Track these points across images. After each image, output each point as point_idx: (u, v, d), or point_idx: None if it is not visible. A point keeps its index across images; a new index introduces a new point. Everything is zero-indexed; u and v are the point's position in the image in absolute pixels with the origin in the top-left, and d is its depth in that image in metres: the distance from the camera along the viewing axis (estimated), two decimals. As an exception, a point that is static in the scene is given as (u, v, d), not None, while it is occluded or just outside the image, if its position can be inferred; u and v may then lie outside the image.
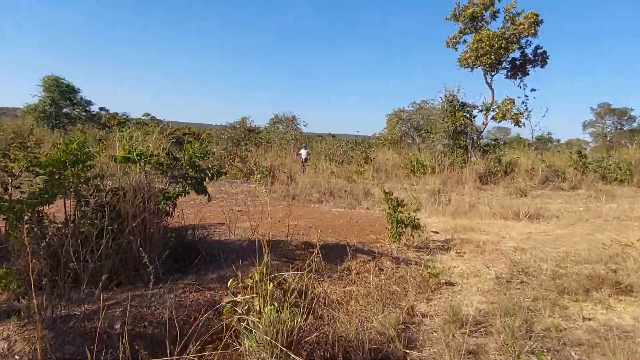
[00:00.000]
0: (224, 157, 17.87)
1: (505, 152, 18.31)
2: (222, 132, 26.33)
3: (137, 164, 4.41)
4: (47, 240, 4.01)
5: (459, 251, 6.27)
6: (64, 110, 37.72)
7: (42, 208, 4.57)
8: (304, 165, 18.64)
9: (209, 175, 4.79)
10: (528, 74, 18.17)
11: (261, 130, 32.93)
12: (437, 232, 7.39)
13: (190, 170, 4.73)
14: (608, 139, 55.00)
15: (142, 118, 27.33)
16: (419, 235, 6.52)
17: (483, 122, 17.89)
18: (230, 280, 3.34)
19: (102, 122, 35.96)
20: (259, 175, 14.62)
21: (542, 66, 17.57)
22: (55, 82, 35.72)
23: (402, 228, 6.06)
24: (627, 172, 15.87)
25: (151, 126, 25.88)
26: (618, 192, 14.16)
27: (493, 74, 17.73)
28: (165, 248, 4.59)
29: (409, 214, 6.21)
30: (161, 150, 4.75)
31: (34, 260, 4.07)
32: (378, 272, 4.95)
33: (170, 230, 5.02)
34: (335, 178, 16.74)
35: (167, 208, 4.91)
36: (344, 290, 4.36)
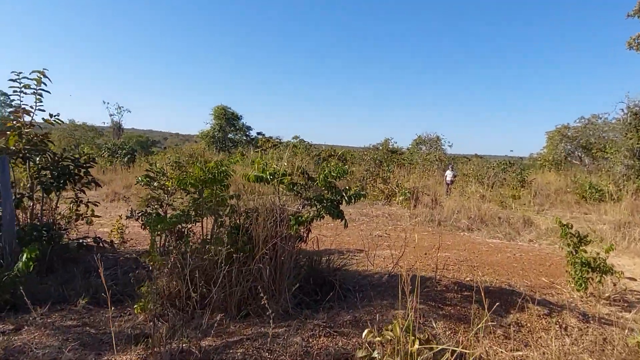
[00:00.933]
0: (366, 179, 17.57)
1: None
2: (365, 153, 26.28)
3: (270, 183, 4.11)
4: (187, 260, 3.91)
5: (675, 310, 4.59)
6: (229, 135, 42.73)
7: (185, 227, 4.61)
8: (449, 188, 17.24)
9: (346, 197, 4.26)
10: None
11: (404, 152, 32.28)
12: (635, 279, 5.66)
13: (326, 191, 4.27)
14: None
15: (292, 141, 29.00)
16: (613, 284, 5.00)
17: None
18: (366, 332, 2.69)
19: (258, 145, 39.50)
20: (401, 198, 13.84)
21: None
22: (223, 111, 40.62)
23: (588, 273, 4.67)
24: None
25: (299, 147, 27.36)
26: None
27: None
28: (296, 279, 4.18)
29: (597, 254, 4.78)
30: (296, 170, 4.41)
31: (173, 281, 4.05)
32: (560, 333, 3.77)
33: (302, 258, 4.62)
34: (486, 202, 15.00)
35: (302, 233, 4.53)
36: (513, 356, 3.33)
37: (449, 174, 17.88)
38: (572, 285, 4.83)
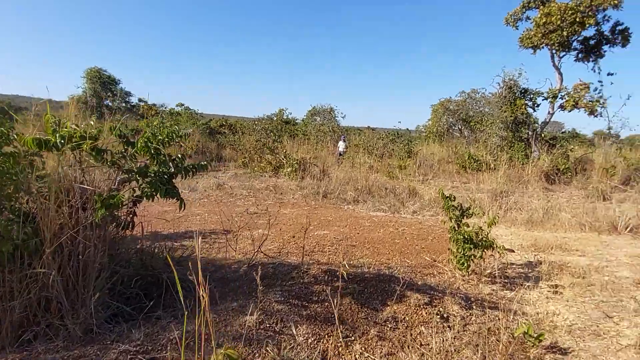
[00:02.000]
0: (256, 149, 16.35)
1: (574, 147, 15.75)
2: (256, 123, 24.94)
3: (60, 150, 2.81)
4: None
5: (553, 284, 4.33)
6: (106, 101, 38.08)
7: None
8: (340, 159, 16.91)
9: (182, 169, 3.13)
10: (604, 56, 15.45)
11: (298, 123, 31.57)
12: (513, 251, 5.43)
13: (152, 161, 3.08)
14: None
15: (175, 108, 26.37)
16: (494, 258, 4.63)
17: (549, 112, 15.34)
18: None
19: (140, 113, 35.65)
20: (288, 169, 12.99)
21: (624, 45, 14.81)
22: (97, 74, 35.87)
23: (470, 250, 4.19)
24: None
25: (183, 115, 24.95)
26: None
27: (562, 54, 15.13)
28: (110, 281, 3.01)
29: (480, 228, 4.32)
30: (112, 132, 3.11)
31: None
32: (441, 326, 3.15)
33: (129, 251, 3.42)
34: (375, 173, 14.86)
35: (127, 218, 3.33)
36: (387, 369, 2.59)
37: (341, 145, 17.57)
38: (455, 263, 4.33)
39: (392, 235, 5.87)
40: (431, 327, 3.14)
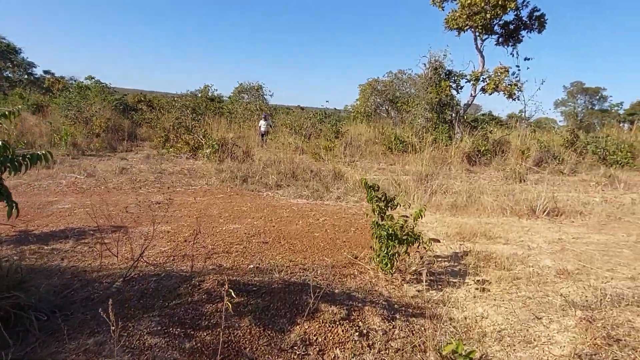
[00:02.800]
0: (171, 128, 15.00)
1: (493, 129, 16.25)
2: (175, 99, 23.13)
3: None
4: None
5: (480, 280, 4.02)
6: (5, 73, 33.78)
7: None
8: (264, 140, 16.10)
9: (7, 160, 2.25)
10: (521, 41, 15.97)
11: (224, 100, 30.02)
12: (439, 241, 5.10)
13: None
14: (579, 118, 54.47)
15: (84, 82, 23.59)
16: (420, 257, 4.23)
17: (471, 94, 15.63)
18: None
19: (45, 86, 31.84)
20: (208, 151, 11.98)
21: (540, 31, 15.37)
22: (-6, 42, 31.54)
23: (395, 247, 3.72)
24: (629, 154, 14.10)
25: (93, 90, 22.45)
26: (624, 177, 12.35)
27: (485, 37, 15.38)
28: None
29: (405, 220, 3.86)
30: None
31: None
32: (360, 346, 2.62)
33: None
34: (301, 154, 14.28)
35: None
36: None
37: (262, 124, 16.70)
38: (377, 262, 3.85)
39: (311, 228, 5.31)
40: (348, 348, 2.61)
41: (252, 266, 3.72)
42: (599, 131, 18.87)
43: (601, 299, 3.51)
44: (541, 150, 14.33)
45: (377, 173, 11.89)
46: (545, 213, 6.91)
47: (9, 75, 34.72)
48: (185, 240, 4.41)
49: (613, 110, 38.99)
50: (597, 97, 56.49)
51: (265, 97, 29.14)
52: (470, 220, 6.39)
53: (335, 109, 30.12)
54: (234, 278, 3.22)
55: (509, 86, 14.46)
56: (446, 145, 13.95)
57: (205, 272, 3.28)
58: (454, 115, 15.48)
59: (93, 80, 24.09)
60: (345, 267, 3.98)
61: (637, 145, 14.98)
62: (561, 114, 58.56)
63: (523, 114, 15.93)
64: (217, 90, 29.03)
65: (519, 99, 14.83)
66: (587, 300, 3.54)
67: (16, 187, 7.02)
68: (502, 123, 21.04)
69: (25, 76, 35.30)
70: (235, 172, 9.49)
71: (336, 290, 3.33)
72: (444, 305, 3.38)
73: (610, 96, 54.17)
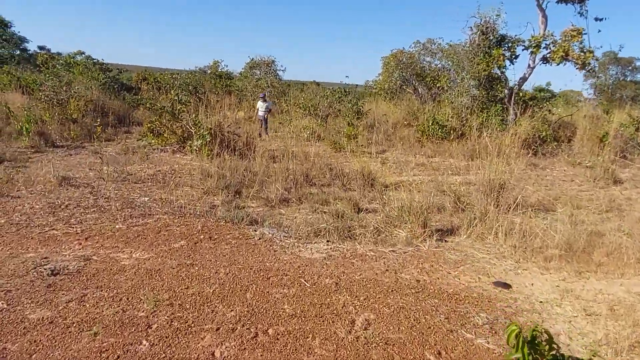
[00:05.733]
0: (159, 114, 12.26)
1: (556, 109, 13.12)
2: (175, 75, 20.36)
3: None
4: None
5: None
6: (-5, 48, 31.51)
7: None
8: (264, 127, 12.78)
9: None
10: (591, -3, 12.66)
11: (234, 77, 27.08)
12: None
13: None
14: (609, 90, 49.50)
15: (74, 57, 20.89)
16: None
17: (529, 65, 12.46)
18: None
19: (37, 62, 29.44)
20: (197, 142, 9.29)
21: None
22: (-20, 14, 29.10)
23: None
24: None
25: (79, 67, 19.82)
26: None
27: (548, -7, 12.11)
28: None
29: None
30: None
31: None
32: None
33: None
34: (317, 141, 11.47)
35: None
36: None
37: (260, 107, 12.88)
38: None
39: None
40: None
41: None
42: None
43: None
44: (621, 137, 11.25)
45: (417, 171, 9.09)
46: None
47: (-1, 50, 32.33)
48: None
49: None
50: (630, 67, 51.13)
51: (278, 72, 26.08)
52: (614, 288, 3.61)
53: (355, 85, 26.98)
54: None
55: (582, 54, 11.24)
56: (501, 131, 10.94)
57: None
58: (507, 92, 12.38)
59: (83, 55, 21.49)
60: None
61: None
62: (591, 86, 53.45)
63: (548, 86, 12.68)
64: (227, 66, 26.10)
65: (593, 71, 11.63)
66: None
67: None
68: (559, 100, 17.74)
69: (18, 52, 32.97)
70: (228, 178, 6.82)
71: None
72: None
73: (645, 66, 49.03)
